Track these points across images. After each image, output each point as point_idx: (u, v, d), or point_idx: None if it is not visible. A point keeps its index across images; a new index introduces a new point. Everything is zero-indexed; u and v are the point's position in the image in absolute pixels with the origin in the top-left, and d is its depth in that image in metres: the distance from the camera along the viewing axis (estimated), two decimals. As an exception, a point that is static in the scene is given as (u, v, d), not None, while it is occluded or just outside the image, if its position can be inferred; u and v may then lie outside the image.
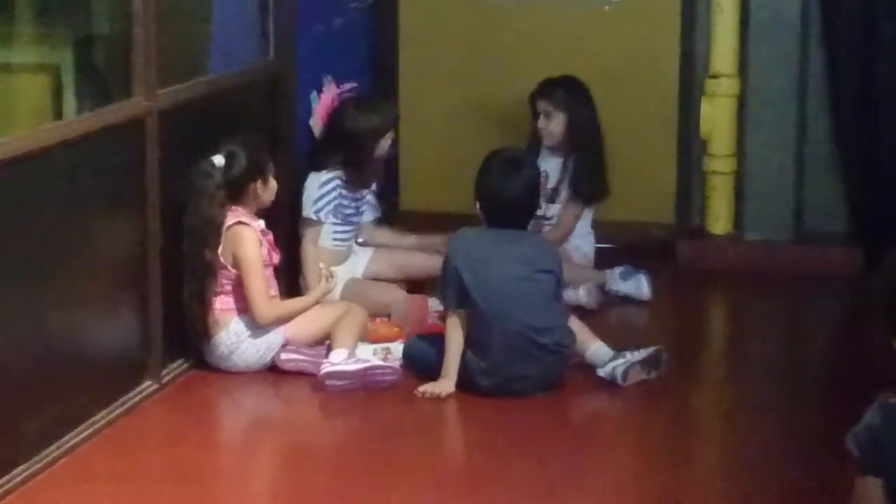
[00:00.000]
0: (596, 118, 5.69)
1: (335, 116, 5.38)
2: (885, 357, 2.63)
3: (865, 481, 2.52)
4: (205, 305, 4.61)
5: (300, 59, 5.40)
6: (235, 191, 4.65)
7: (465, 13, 6.22)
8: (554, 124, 5.64)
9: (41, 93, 4.80)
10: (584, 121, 5.64)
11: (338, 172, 5.23)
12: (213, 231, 4.59)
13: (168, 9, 4.57)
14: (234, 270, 4.62)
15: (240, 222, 4.65)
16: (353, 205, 5.31)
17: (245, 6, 5.29)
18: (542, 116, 5.65)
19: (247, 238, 4.62)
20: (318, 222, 5.20)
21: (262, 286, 4.63)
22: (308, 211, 5.19)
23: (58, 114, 4.75)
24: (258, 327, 4.64)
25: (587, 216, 5.70)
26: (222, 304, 4.65)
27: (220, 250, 4.61)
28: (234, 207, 4.65)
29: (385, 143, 5.34)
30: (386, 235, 5.59)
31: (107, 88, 4.59)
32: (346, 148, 5.24)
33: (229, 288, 4.65)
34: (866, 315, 2.63)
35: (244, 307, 4.65)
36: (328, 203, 5.22)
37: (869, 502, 2.51)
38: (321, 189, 5.20)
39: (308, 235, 5.18)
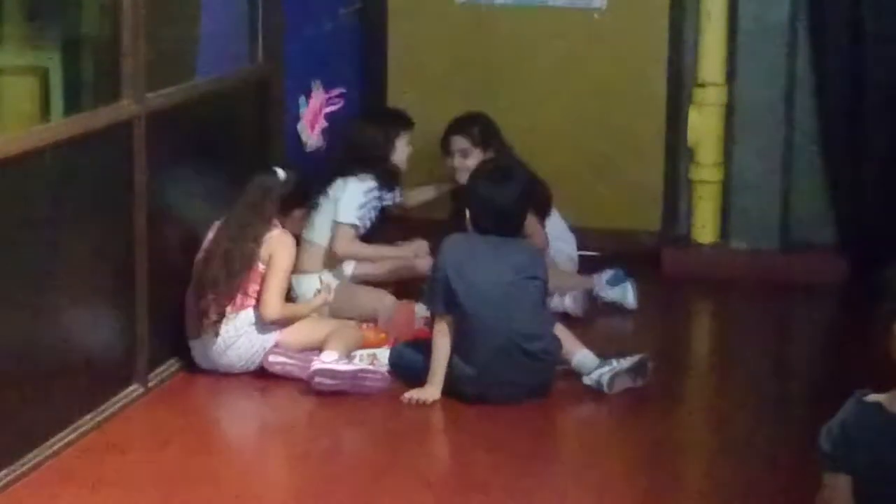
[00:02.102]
0: (508, 145, 5.69)
1: (345, 133, 5.48)
2: (871, 359, 2.66)
3: (836, 478, 2.52)
4: (231, 300, 4.67)
5: (289, 64, 5.41)
6: (285, 208, 4.81)
7: (455, 19, 6.23)
8: (472, 160, 5.57)
9: (29, 95, 4.80)
10: (505, 151, 5.66)
11: (375, 181, 5.31)
12: (262, 234, 4.71)
13: (157, 13, 4.56)
14: (262, 268, 4.70)
15: (284, 232, 4.81)
16: (374, 212, 5.38)
17: (233, 10, 5.29)
18: (457, 155, 5.63)
19: (289, 245, 4.78)
20: (357, 227, 5.25)
21: (282, 287, 4.75)
22: (351, 216, 5.23)
23: (46, 116, 4.75)
24: (259, 323, 4.69)
25: (554, 217, 5.69)
26: (238, 298, 4.71)
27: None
28: (275, 223, 4.77)
29: (401, 147, 5.42)
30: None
31: (95, 92, 4.61)
32: (364, 158, 5.32)
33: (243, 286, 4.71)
34: (865, 311, 2.63)
35: (251, 303, 4.71)
36: (370, 209, 5.30)
37: (837, 498, 2.52)
38: (367, 196, 5.28)
39: (347, 237, 5.23)
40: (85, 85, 4.76)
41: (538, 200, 5.57)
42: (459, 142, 5.64)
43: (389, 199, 5.45)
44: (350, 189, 5.25)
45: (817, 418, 2.61)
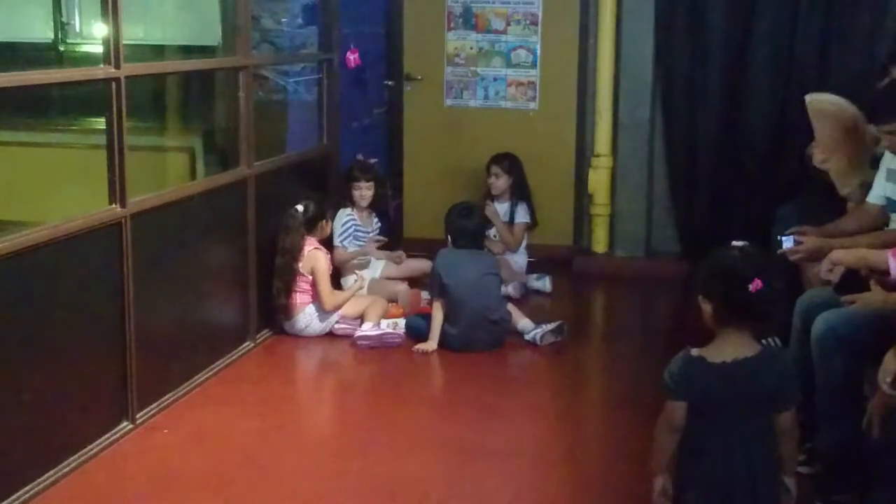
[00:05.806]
0: (526, 180, 5.68)
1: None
2: (695, 322, 2.52)
3: (675, 404, 2.45)
4: (288, 297, 4.60)
5: (342, 144, 5.39)
6: (310, 226, 4.66)
7: (444, 115, 6.22)
8: (501, 182, 5.60)
9: (183, 164, 4.83)
10: (521, 181, 5.65)
11: (349, 210, 5.12)
12: (298, 251, 4.60)
13: (261, 112, 4.61)
14: (310, 277, 4.62)
15: (316, 248, 4.64)
16: (363, 231, 5.20)
17: (307, 111, 5.28)
18: (493, 176, 5.62)
19: (321, 258, 4.64)
20: (343, 248, 5.08)
21: (329, 287, 4.64)
22: (336, 241, 5.05)
23: (193, 176, 4.78)
24: (323, 311, 4.65)
25: (524, 240, 5.66)
26: (301, 298, 4.64)
27: (301, 264, 4.60)
28: (308, 237, 4.67)
29: (352, 188, 5.14)
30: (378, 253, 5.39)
31: (223, 161, 4.62)
32: (342, 190, 5.18)
33: (306, 287, 4.64)
34: (690, 293, 2.46)
35: (314, 299, 4.65)
36: (347, 234, 5.10)
37: (674, 416, 2.44)
38: (344, 226, 5.09)
39: (338, 253, 5.04)
40: (217, 157, 4.78)
41: (529, 223, 5.57)
42: (495, 168, 5.58)
43: (373, 226, 5.22)
44: (337, 222, 5.06)
45: (665, 356, 2.52)
